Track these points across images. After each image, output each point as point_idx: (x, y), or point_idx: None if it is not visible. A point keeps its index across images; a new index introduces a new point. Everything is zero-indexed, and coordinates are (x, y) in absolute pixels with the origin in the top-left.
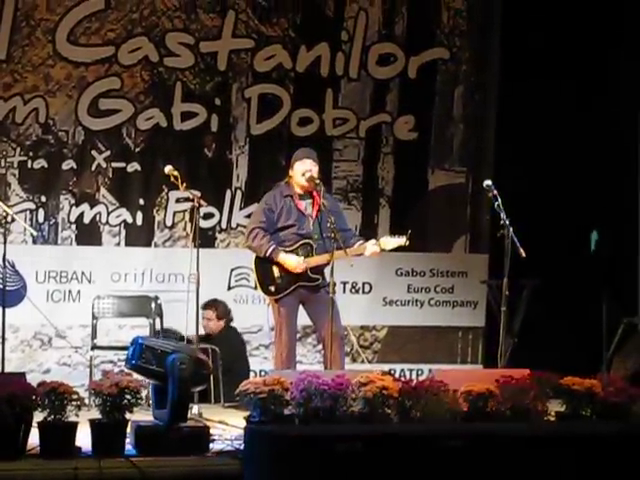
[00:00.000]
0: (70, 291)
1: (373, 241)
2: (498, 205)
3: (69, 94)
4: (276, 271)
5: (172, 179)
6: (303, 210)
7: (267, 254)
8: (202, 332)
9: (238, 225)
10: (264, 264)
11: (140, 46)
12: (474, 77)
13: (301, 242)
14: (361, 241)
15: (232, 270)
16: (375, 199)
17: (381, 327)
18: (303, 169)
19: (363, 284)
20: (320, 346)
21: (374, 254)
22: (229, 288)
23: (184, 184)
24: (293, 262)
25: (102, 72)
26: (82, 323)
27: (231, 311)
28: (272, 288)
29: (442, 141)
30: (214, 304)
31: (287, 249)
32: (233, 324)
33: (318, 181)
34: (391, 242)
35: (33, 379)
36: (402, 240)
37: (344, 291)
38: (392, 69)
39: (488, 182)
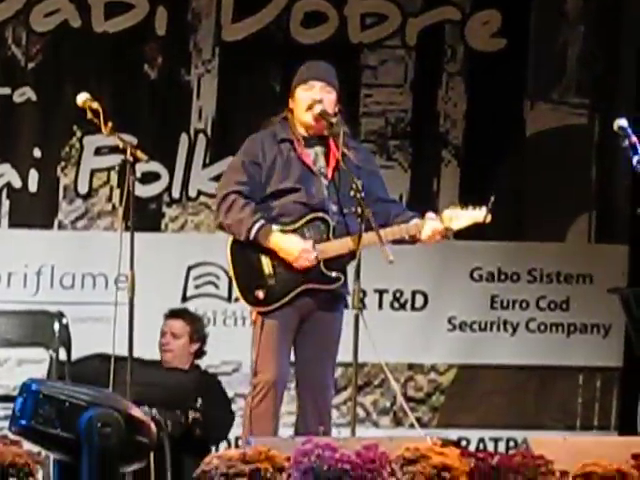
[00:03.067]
0: None
1: (431, 215)
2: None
3: None
4: (267, 264)
5: (89, 115)
6: (311, 164)
7: (251, 235)
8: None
9: (200, 193)
10: (247, 253)
11: None
12: None
13: (310, 217)
14: (414, 219)
15: (190, 268)
16: (434, 151)
17: (446, 367)
18: (309, 98)
19: (413, 294)
20: (341, 397)
21: (434, 235)
22: (185, 299)
23: (109, 124)
24: (295, 247)
25: None
26: None
27: (207, 336)
28: (260, 293)
29: (548, 54)
30: (187, 315)
31: (286, 228)
32: (202, 362)
33: (336, 119)
34: (462, 216)
35: None
36: (480, 214)
37: (380, 306)
38: None
39: (622, 122)
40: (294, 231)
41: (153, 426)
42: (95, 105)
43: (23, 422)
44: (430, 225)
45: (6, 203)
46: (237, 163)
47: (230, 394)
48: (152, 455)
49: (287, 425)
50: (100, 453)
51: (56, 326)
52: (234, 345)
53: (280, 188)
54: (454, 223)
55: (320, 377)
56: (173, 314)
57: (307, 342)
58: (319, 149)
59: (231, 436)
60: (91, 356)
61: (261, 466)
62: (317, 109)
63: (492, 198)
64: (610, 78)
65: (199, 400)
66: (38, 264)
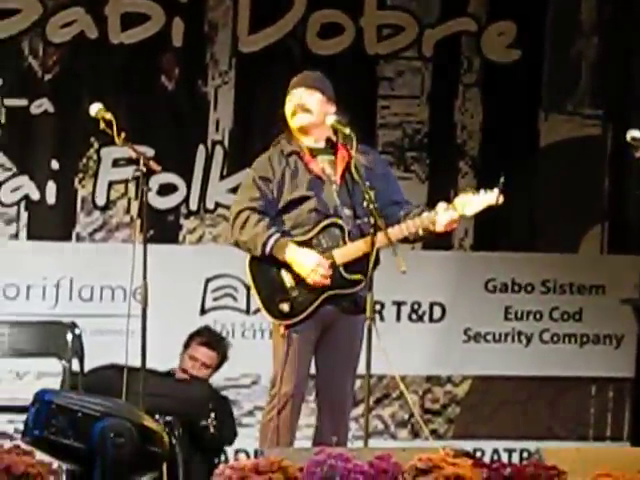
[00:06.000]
0: None
1: (443, 205)
2: None
3: None
4: (288, 277)
5: (102, 126)
6: (319, 172)
7: (267, 250)
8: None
9: (218, 205)
10: (266, 268)
11: None
12: None
13: (324, 224)
14: (424, 212)
15: (208, 281)
16: (451, 162)
17: (461, 379)
18: (291, 106)
19: (431, 306)
20: (359, 409)
21: (450, 225)
22: (203, 311)
23: (122, 134)
24: (309, 263)
25: None
26: None
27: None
28: (285, 306)
29: (563, 65)
30: (220, 346)
31: (302, 238)
32: (220, 374)
33: (348, 130)
34: (475, 202)
35: None
36: (492, 197)
37: (398, 318)
38: None
39: (635, 133)
40: (310, 240)
41: (166, 436)
42: (108, 115)
43: (36, 432)
44: (445, 215)
45: (24, 215)
46: (248, 181)
47: (249, 407)
48: (165, 465)
49: (305, 438)
50: (113, 463)
51: (69, 336)
52: (253, 358)
53: (291, 199)
54: (467, 209)
55: (339, 389)
56: (209, 344)
57: (328, 354)
58: (326, 157)
59: (249, 447)
60: (104, 366)
61: (274, 476)
62: (299, 119)
63: (502, 179)
64: (623, 89)
65: (212, 411)
66: (57, 277)
